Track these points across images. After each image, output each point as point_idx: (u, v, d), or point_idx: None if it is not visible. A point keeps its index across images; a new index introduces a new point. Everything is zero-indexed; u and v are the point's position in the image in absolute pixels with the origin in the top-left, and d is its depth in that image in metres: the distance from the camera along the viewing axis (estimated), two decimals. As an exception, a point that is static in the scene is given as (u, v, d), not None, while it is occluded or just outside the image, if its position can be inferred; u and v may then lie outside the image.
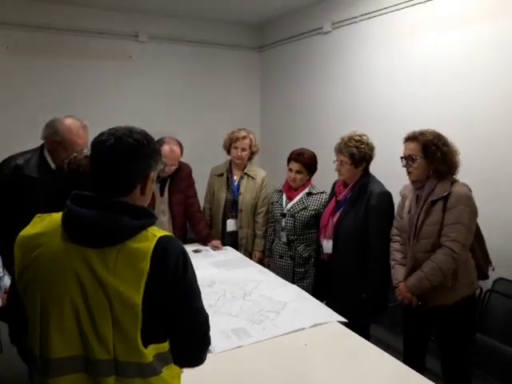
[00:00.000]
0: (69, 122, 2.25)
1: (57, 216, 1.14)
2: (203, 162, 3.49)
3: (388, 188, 2.49)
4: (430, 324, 2.22)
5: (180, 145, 2.91)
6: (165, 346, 1.14)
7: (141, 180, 1.15)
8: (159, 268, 1.06)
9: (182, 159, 3.05)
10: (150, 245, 1.07)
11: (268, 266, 3.08)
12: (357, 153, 2.47)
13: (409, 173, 2.18)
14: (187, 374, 1.31)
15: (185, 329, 1.16)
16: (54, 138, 2.21)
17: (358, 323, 2.54)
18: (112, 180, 1.12)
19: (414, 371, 1.60)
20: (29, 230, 1.15)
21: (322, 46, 4.10)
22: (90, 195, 1.11)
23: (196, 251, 2.96)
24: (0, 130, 3.71)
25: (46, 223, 1.14)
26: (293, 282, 2.81)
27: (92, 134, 1.64)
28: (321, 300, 2.71)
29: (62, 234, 1.09)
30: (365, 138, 2.54)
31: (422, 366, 2.32)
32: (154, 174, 1.19)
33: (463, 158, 2.15)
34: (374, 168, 2.62)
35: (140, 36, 4.36)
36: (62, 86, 4.03)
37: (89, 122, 2.31)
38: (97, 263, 1.05)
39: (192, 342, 1.19)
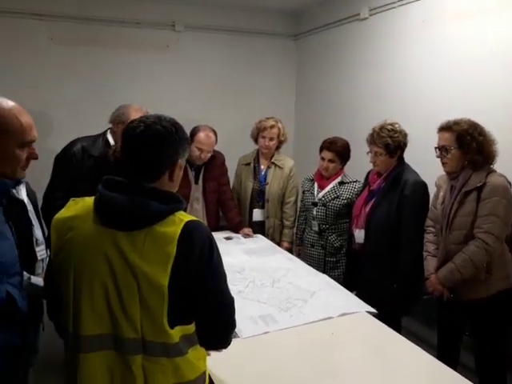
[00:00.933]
0: (135, 107, 2.49)
1: (89, 200, 1.19)
2: (238, 151, 3.47)
3: (424, 178, 2.43)
4: (463, 318, 2.17)
5: (215, 132, 2.93)
6: (191, 328, 1.18)
7: (169, 166, 1.19)
8: (185, 252, 1.10)
9: (218, 148, 3.09)
10: (176, 229, 1.10)
11: (298, 255, 3.09)
12: (391, 142, 2.42)
13: (443, 163, 2.12)
14: (214, 356, 1.36)
15: (210, 311, 1.20)
16: (120, 119, 2.44)
17: (389, 314, 2.53)
18: (141, 166, 1.16)
19: (445, 365, 1.57)
20: (63, 213, 1.21)
21: (358, 32, 4.00)
22: (121, 180, 1.15)
23: (228, 238, 3.01)
24: (43, 116, 3.84)
25: (79, 207, 1.20)
26: (324, 271, 2.81)
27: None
28: (351, 290, 2.71)
29: (93, 218, 1.14)
30: (397, 126, 2.49)
31: (456, 360, 2.28)
32: (181, 161, 1.23)
33: (503, 147, 2.07)
34: (410, 157, 2.56)
35: (176, 25, 4.39)
36: (100, 75, 4.14)
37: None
38: (126, 245, 1.10)
39: (217, 324, 1.23)
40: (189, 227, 1.12)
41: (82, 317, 1.13)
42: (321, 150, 2.89)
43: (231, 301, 1.25)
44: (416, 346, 1.69)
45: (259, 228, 3.24)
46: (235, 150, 3.48)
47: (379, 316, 2.62)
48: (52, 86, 3.97)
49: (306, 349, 1.66)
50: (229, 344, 1.30)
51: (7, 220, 1.34)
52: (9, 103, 1.31)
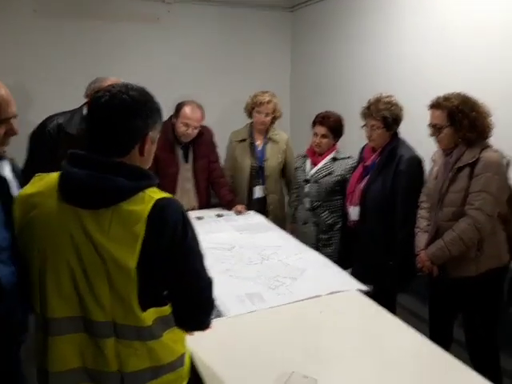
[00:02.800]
0: (112, 79, 2.32)
1: (55, 176, 1.12)
2: (230, 126, 3.40)
3: (419, 153, 2.38)
4: (453, 294, 2.15)
5: (201, 107, 2.85)
6: (166, 310, 1.14)
7: (138, 140, 1.11)
8: (155, 232, 1.04)
9: (210, 123, 3.01)
10: (145, 207, 1.04)
11: (292, 233, 3.06)
12: (389, 115, 2.37)
13: (437, 141, 2.06)
14: (197, 335, 1.31)
15: (185, 292, 1.16)
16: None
17: (384, 291, 2.52)
18: (107, 139, 1.08)
19: (436, 345, 1.54)
20: (27, 190, 1.15)
21: (354, 3, 3.87)
22: (85, 155, 1.08)
23: (219, 215, 2.96)
24: (28, 91, 3.74)
25: (43, 183, 1.13)
26: (316, 248, 2.78)
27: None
28: (346, 267, 2.69)
29: (57, 195, 1.08)
30: (393, 98, 2.43)
31: (449, 336, 2.28)
32: (153, 134, 1.15)
33: (502, 119, 2.00)
34: (407, 132, 2.50)
35: (166, -3, 4.25)
36: (87, 49, 4.00)
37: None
38: (91, 225, 1.04)
39: (194, 307, 1.19)
40: (159, 205, 1.05)
41: (49, 299, 1.09)
42: (313, 124, 2.82)
43: (209, 282, 1.20)
44: (406, 325, 1.65)
45: (260, 205, 3.21)
46: (228, 125, 3.40)
47: (373, 293, 2.63)
48: (36, 60, 3.83)
49: (293, 328, 1.63)
50: (207, 326, 1.26)
51: None
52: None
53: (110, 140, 1.08)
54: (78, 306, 1.08)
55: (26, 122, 2.53)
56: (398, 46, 3.40)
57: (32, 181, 1.16)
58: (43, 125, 2.49)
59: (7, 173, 1.70)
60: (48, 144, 2.37)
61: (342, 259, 2.75)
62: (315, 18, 4.48)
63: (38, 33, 3.82)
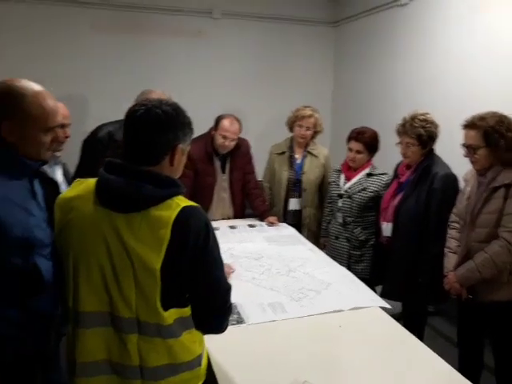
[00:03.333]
0: (157, 93, 2.50)
1: (92, 181, 1.21)
2: (272, 139, 3.45)
3: (455, 171, 2.34)
4: (483, 319, 2.07)
5: (239, 120, 2.93)
6: (186, 311, 1.20)
7: (168, 151, 1.19)
8: (179, 237, 1.11)
9: (252, 136, 3.07)
10: (172, 214, 1.11)
11: (324, 247, 3.06)
12: (424, 133, 2.35)
13: (472, 162, 2.02)
14: (216, 340, 1.37)
15: (204, 297, 1.22)
16: None
17: (414, 309, 2.47)
18: (140, 149, 1.17)
19: (451, 368, 1.48)
20: (67, 193, 1.25)
21: (398, 19, 3.85)
22: (120, 163, 1.17)
23: (251, 226, 3.02)
24: (84, 102, 4.00)
25: (82, 187, 1.22)
26: (348, 264, 2.78)
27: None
28: (378, 284, 2.67)
29: (94, 199, 1.17)
30: (429, 116, 2.40)
31: (479, 362, 2.19)
32: (183, 147, 1.22)
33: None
34: (443, 150, 2.47)
35: (214, 12, 4.41)
36: (138, 62, 4.22)
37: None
38: (122, 227, 1.12)
39: (211, 310, 1.25)
40: (185, 212, 1.13)
41: (80, 294, 1.17)
42: (348, 140, 2.82)
43: (227, 288, 1.26)
44: (423, 346, 1.62)
45: (296, 218, 3.23)
46: (270, 139, 3.46)
47: (403, 311, 2.58)
48: (91, 73, 4.09)
49: (311, 339, 1.65)
50: (223, 330, 1.31)
51: (33, 197, 1.40)
52: (34, 88, 1.34)
53: (143, 150, 1.16)
54: (107, 301, 1.16)
55: (83, 132, 2.73)
56: (443, 63, 3.36)
57: (72, 185, 1.27)
58: (94, 133, 2.63)
59: (59, 176, 1.86)
60: (98, 151, 2.49)
61: (374, 275, 2.73)
62: (358, 33, 4.50)
63: (93, 47, 4.10)
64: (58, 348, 1.58)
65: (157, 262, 1.10)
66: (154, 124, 1.16)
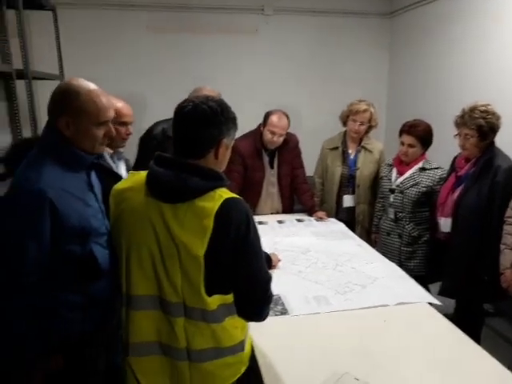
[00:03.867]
0: (208, 89, 2.60)
1: (144, 173, 1.30)
2: (325, 134, 3.41)
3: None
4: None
5: (287, 116, 2.93)
6: (229, 298, 1.25)
7: (213, 145, 1.25)
8: (222, 226, 1.17)
9: (305, 131, 3.05)
10: (215, 205, 1.17)
11: (375, 243, 3.01)
12: (485, 124, 2.26)
13: None
14: (259, 328, 1.42)
15: (244, 286, 1.26)
16: None
17: (470, 307, 2.38)
18: (187, 143, 1.24)
19: (503, 367, 1.42)
20: (121, 185, 1.34)
21: (454, 8, 3.68)
22: (168, 157, 1.25)
23: (299, 220, 3.02)
24: (139, 100, 4.17)
25: (134, 179, 1.31)
26: (399, 260, 2.72)
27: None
28: (433, 281, 2.59)
29: (145, 190, 1.25)
30: (490, 107, 2.30)
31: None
32: (227, 141, 1.28)
33: None
34: (502, 142, 2.35)
35: (265, 9, 4.44)
36: (192, 60, 4.36)
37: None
38: (169, 216, 1.19)
39: (251, 299, 1.29)
40: (227, 204, 1.19)
41: (132, 279, 1.26)
42: (400, 133, 2.75)
43: (267, 279, 1.30)
44: (473, 344, 1.56)
45: (349, 215, 3.19)
46: (323, 134, 3.43)
47: (458, 308, 2.48)
48: (149, 72, 4.29)
49: (354, 333, 1.64)
50: (264, 318, 1.35)
51: (90, 189, 1.52)
52: (89, 86, 1.46)
53: (189, 144, 1.23)
54: (156, 286, 1.24)
55: (142, 129, 2.85)
56: (500, 52, 3.17)
57: (127, 177, 1.36)
58: (150, 130, 2.75)
59: (123, 171, 2.00)
60: (154, 147, 2.56)
61: (430, 273, 2.65)
62: (414, 24, 4.36)
63: (150, 47, 4.28)
64: (118, 331, 1.71)
65: (201, 249, 1.16)
66: (200, 119, 1.22)
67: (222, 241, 1.17)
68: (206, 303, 1.20)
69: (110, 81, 4.07)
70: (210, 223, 1.16)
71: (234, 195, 1.23)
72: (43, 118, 1.51)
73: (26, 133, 3.14)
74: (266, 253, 2.05)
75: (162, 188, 1.21)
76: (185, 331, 1.22)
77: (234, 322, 1.27)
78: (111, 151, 2.04)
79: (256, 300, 1.30)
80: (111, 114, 1.52)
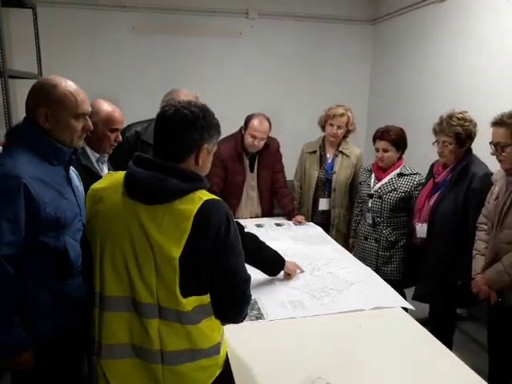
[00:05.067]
0: (184, 93, 2.59)
1: (122, 173, 1.29)
2: (306, 138, 3.42)
3: (494, 171, 2.25)
4: (512, 324, 2.00)
5: (268, 120, 2.93)
6: (206, 299, 1.25)
7: (193, 150, 1.24)
8: (200, 229, 1.16)
9: (286, 135, 3.05)
10: (194, 207, 1.16)
11: (352, 247, 3.03)
12: (462, 132, 2.29)
13: (499, 161, 1.96)
14: (234, 332, 1.44)
15: (223, 286, 1.26)
16: None
17: (442, 312, 2.41)
18: (166, 146, 1.23)
19: (476, 375, 1.42)
20: (98, 184, 1.32)
21: (437, 15, 3.75)
22: (149, 158, 1.24)
23: (278, 224, 3.03)
24: (128, 99, 4.12)
25: (112, 179, 1.30)
26: (376, 265, 2.75)
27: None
28: (408, 286, 2.62)
29: (122, 190, 1.24)
30: (467, 114, 2.34)
31: (510, 367, 2.12)
32: (208, 147, 1.27)
33: None
34: (478, 149, 2.39)
35: (250, 13, 4.46)
36: (176, 62, 4.35)
37: (199, 95, 2.58)
38: (146, 218, 1.18)
39: (229, 300, 1.28)
40: (206, 206, 1.17)
41: (106, 279, 1.24)
42: (374, 140, 2.79)
43: (246, 278, 1.30)
44: (444, 348, 1.59)
45: (324, 218, 3.22)
46: (305, 138, 3.44)
47: (432, 312, 2.51)
48: (132, 73, 4.26)
49: (329, 337, 1.65)
50: (242, 319, 1.35)
51: (69, 184, 1.54)
52: (67, 81, 1.51)
53: (170, 147, 1.23)
54: (129, 287, 1.22)
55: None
56: (481, 59, 3.25)
57: (104, 177, 1.35)
58: (122, 133, 2.71)
59: (105, 172, 2.01)
60: (125, 149, 2.56)
61: (405, 278, 2.68)
62: (397, 31, 4.43)
63: (132, 48, 4.26)
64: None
65: (176, 251, 1.15)
66: (181, 123, 1.21)
67: (200, 243, 1.16)
68: (181, 304, 1.19)
69: (91, 81, 4.05)
70: (188, 226, 1.15)
71: (214, 197, 1.22)
72: (21, 117, 1.52)
73: (1, 131, 3.08)
74: (282, 258, 2.07)
75: (140, 189, 1.20)
76: (159, 333, 1.21)
77: (210, 324, 1.27)
78: (98, 155, 2.05)
79: (234, 300, 1.29)
80: (89, 107, 1.56)
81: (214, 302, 1.26)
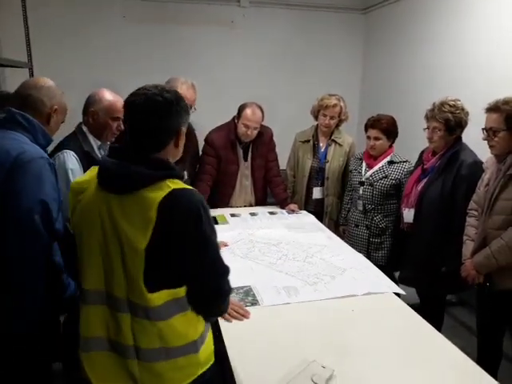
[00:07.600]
0: (181, 80, 2.63)
1: None
2: (299, 127, 3.43)
3: (482, 159, 2.30)
4: (500, 307, 2.05)
5: (261, 109, 2.94)
6: (179, 292, 1.19)
7: (173, 135, 1.23)
8: (166, 218, 1.10)
9: (279, 124, 3.05)
10: (160, 195, 1.11)
11: (344, 234, 3.07)
12: (452, 119, 2.32)
13: (490, 146, 1.99)
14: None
15: (198, 280, 1.22)
16: None
17: (433, 296, 2.46)
18: (145, 136, 1.18)
19: (465, 356, 1.48)
20: (80, 178, 1.32)
21: (428, 4, 3.76)
22: (118, 147, 1.22)
23: (271, 213, 3.06)
24: (116, 86, 4.11)
25: (93, 172, 1.26)
26: (367, 252, 2.80)
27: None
28: (396, 270, 2.67)
29: (96, 182, 1.22)
30: (459, 103, 2.36)
31: (498, 351, 2.18)
32: (184, 129, 1.26)
33: None
34: (468, 137, 2.42)
35: (242, 1, 4.43)
36: (168, 51, 4.32)
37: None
38: (115, 208, 1.15)
39: (205, 293, 1.25)
40: (174, 194, 1.12)
41: (85, 271, 1.23)
42: (365, 128, 2.82)
43: (223, 271, 1.26)
44: (435, 331, 1.63)
45: (318, 206, 3.25)
46: (297, 127, 3.45)
47: (423, 297, 2.56)
48: (123, 62, 4.22)
49: (322, 322, 1.68)
50: (221, 314, 1.33)
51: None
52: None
53: (147, 137, 1.18)
54: (104, 280, 1.20)
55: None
56: (472, 49, 3.27)
57: (89, 170, 1.32)
58: None
59: None
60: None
61: (392, 261, 2.73)
62: (388, 19, 4.44)
63: (125, 36, 4.22)
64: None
65: (142, 242, 1.10)
66: (157, 111, 1.17)
67: (166, 233, 1.11)
68: (147, 299, 1.14)
69: (82, 70, 4.04)
70: (153, 215, 1.09)
71: (186, 186, 1.17)
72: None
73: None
74: None
75: (108, 178, 1.18)
76: (131, 328, 1.18)
77: (184, 320, 1.21)
78: (99, 142, 2.09)
79: (211, 294, 1.26)
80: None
81: (190, 296, 1.21)
